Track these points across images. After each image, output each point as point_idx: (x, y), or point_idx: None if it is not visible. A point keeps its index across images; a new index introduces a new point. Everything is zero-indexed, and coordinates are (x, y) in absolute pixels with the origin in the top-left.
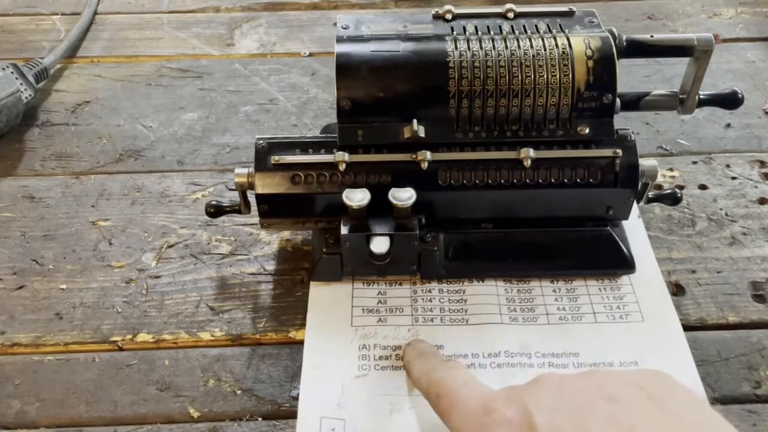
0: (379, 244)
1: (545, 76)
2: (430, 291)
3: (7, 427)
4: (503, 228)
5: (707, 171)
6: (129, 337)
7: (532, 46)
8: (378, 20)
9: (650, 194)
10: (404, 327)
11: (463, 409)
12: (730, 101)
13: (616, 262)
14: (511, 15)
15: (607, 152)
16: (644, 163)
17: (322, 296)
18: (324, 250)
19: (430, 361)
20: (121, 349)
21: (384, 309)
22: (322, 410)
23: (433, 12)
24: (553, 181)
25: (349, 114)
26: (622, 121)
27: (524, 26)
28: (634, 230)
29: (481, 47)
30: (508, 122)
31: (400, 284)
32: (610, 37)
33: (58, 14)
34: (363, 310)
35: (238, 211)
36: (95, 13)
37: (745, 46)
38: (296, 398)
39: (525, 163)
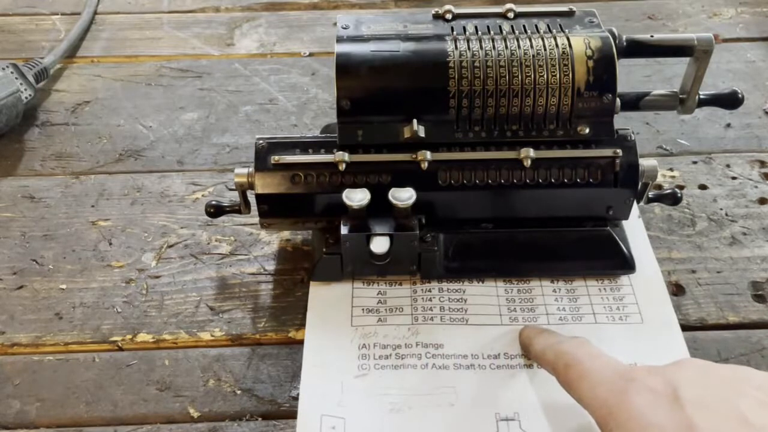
0: (379, 244)
1: (545, 76)
2: (430, 291)
3: (7, 427)
4: (503, 228)
5: (707, 171)
6: (129, 337)
7: (532, 46)
8: (378, 20)
9: (650, 194)
10: (404, 326)
11: (597, 377)
12: (730, 101)
13: (616, 262)
14: (511, 15)
15: (607, 152)
16: (644, 163)
17: (322, 296)
18: (324, 250)
19: (554, 335)
20: (121, 349)
21: (384, 309)
22: (322, 408)
23: (433, 12)
24: (553, 181)
25: (349, 114)
26: (622, 121)
27: (524, 26)
28: (634, 230)
29: (481, 47)
30: (508, 122)
31: (400, 284)
32: (610, 37)
33: (58, 14)
34: (363, 309)
35: (238, 211)
36: (95, 13)
37: (745, 46)
38: (296, 398)
39: (525, 163)
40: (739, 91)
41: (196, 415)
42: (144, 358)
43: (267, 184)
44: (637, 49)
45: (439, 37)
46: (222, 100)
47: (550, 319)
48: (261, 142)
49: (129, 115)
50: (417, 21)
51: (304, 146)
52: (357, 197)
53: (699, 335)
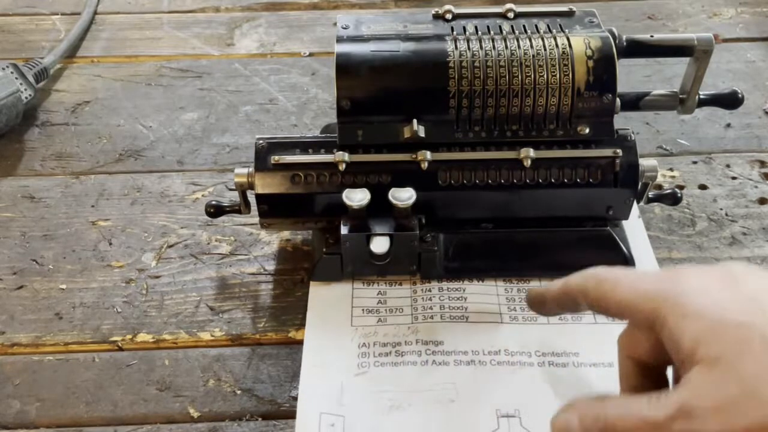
0: (379, 244)
1: (545, 76)
2: (430, 291)
3: (7, 427)
4: (503, 228)
5: (707, 171)
6: (129, 337)
7: (532, 46)
8: (378, 20)
9: (650, 194)
10: (404, 326)
11: (637, 279)
12: (730, 101)
13: (616, 262)
14: (511, 15)
15: (607, 152)
16: (644, 163)
17: (322, 296)
18: (324, 250)
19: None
20: (121, 349)
21: (384, 309)
22: (321, 406)
23: (433, 12)
24: (553, 181)
25: (349, 114)
26: (622, 121)
27: (524, 26)
28: (634, 230)
29: (481, 47)
30: (508, 122)
31: (400, 284)
32: (610, 37)
33: (58, 14)
34: (363, 310)
35: (238, 211)
36: (95, 13)
37: (745, 46)
38: (296, 398)
39: (525, 163)
40: (739, 91)
41: (196, 415)
42: (144, 358)
43: (267, 184)
44: (637, 49)
45: (439, 37)
46: (222, 100)
47: (549, 318)
48: (261, 142)
49: (129, 115)
50: (417, 21)
51: (304, 146)
52: (357, 197)
53: None
